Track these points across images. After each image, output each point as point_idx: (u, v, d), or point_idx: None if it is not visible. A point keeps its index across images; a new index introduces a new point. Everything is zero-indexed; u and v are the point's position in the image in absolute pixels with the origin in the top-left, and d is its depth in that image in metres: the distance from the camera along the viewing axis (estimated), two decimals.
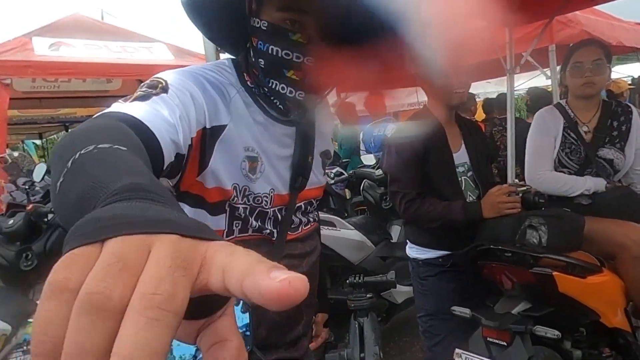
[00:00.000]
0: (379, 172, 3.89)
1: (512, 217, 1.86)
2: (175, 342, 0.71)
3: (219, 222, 0.96)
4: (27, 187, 2.95)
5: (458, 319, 1.92)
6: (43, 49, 4.44)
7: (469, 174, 2.10)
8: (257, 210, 0.99)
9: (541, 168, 2.22)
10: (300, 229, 1.09)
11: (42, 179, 2.98)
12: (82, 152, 0.45)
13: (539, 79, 6.49)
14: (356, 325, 1.66)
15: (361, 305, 1.69)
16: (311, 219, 1.14)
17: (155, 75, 0.82)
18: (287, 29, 0.89)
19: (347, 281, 1.64)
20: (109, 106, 0.70)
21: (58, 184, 0.44)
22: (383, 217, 3.75)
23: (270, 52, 0.90)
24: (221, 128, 0.90)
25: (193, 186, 0.92)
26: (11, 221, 2.69)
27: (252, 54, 0.94)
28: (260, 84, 0.96)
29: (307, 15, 0.89)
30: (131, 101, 0.72)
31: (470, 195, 2.08)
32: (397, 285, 3.24)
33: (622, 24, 5.24)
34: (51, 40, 4.60)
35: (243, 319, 0.98)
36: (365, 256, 3.15)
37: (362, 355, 1.57)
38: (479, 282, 2.04)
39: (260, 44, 0.91)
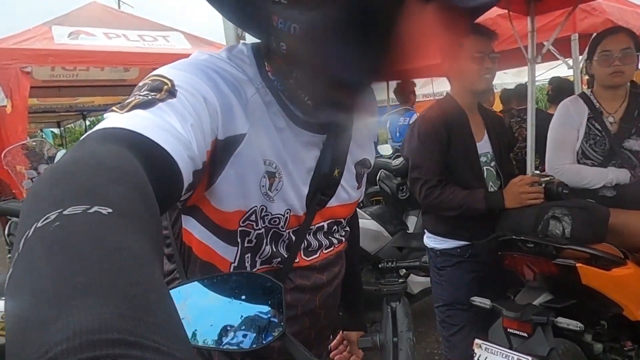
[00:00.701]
0: (396, 162, 3.86)
1: (535, 207, 1.84)
2: (193, 320, 0.67)
3: (228, 252, 0.82)
4: None
5: (476, 309, 1.91)
6: (62, 38, 4.48)
7: (492, 164, 2.07)
8: (272, 231, 0.84)
9: (562, 160, 2.18)
10: (319, 253, 0.92)
11: None
12: (39, 224, 0.29)
13: (559, 69, 6.36)
14: (388, 310, 1.65)
15: (394, 290, 1.68)
16: (336, 241, 0.96)
17: (156, 72, 0.67)
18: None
19: (380, 265, 1.62)
20: (125, 96, 0.57)
21: (7, 277, 0.28)
22: (399, 208, 3.73)
23: (293, 32, 0.69)
24: (237, 139, 0.73)
25: (200, 201, 0.78)
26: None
27: (272, 37, 0.75)
28: (284, 75, 0.78)
29: None
30: (130, 109, 0.57)
31: (492, 186, 2.05)
32: (413, 276, 3.24)
33: None
34: (70, 29, 4.64)
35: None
36: (381, 246, 3.14)
37: (395, 339, 1.55)
38: (499, 272, 2.03)
39: (280, 23, 0.70)
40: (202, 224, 0.80)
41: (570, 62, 4.46)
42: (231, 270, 0.82)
